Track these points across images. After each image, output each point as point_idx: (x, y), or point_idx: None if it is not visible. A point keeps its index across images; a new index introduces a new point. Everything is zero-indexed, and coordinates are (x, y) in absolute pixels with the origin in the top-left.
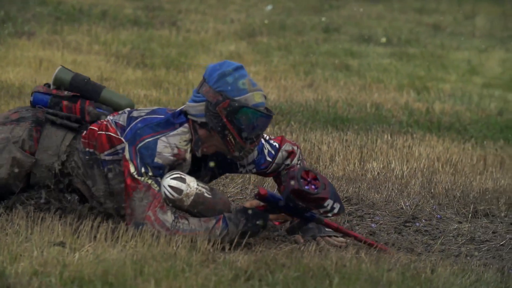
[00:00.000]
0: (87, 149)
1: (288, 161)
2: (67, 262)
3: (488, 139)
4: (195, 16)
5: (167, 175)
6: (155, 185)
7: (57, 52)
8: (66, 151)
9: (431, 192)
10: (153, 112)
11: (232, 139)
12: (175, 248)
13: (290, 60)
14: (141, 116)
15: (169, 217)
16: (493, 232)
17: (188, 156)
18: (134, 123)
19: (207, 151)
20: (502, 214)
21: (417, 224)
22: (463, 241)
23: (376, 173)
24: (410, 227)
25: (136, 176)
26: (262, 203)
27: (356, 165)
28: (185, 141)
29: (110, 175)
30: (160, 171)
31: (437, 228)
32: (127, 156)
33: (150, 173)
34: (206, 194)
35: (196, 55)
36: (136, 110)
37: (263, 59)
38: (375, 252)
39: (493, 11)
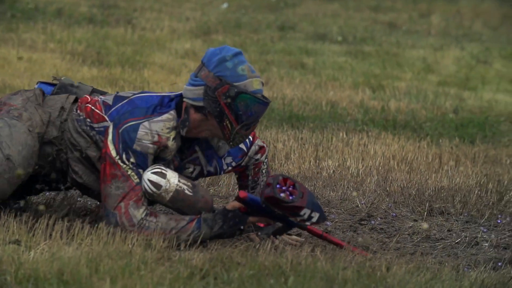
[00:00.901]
0: (78, 110)
1: (258, 156)
2: (22, 260)
3: (443, 137)
4: (150, 14)
5: (149, 168)
6: (135, 177)
7: (12, 50)
8: (70, 108)
9: (387, 190)
10: (141, 93)
11: (228, 125)
12: (131, 246)
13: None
14: (129, 97)
15: (139, 213)
16: (448, 230)
17: (170, 143)
18: (120, 104)
19: (200, 135)
20: (457, 212)
21: (373, 222)
22: (418, 239)
23: (331, 171)
24: (365, 225)
25: (118, 161)
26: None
27: (311, 163)
28: (168, 128)
29: (96, 137)
30: (141, 158)
31: (393, 226)
32: (110, 137)
33: (132, 160)
34: (186, 192)
35: (151, 53)
36: (124, 92)
37: None
38: (330, 250)
39: (448, 10)
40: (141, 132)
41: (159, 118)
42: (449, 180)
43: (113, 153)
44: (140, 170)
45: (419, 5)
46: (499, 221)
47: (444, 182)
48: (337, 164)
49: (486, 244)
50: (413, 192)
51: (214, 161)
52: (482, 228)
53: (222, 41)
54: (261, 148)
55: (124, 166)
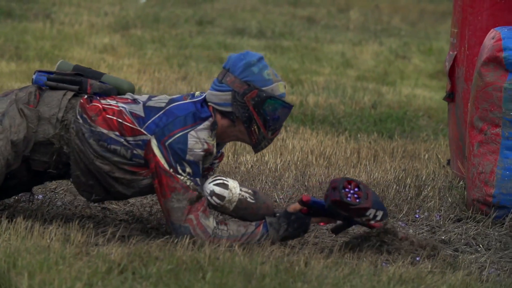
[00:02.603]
0: (85, 117)
1: (216, 161)
2: None
3: (361, 132)
4: (69, 8)
5: (210, 180)
6: (195, 187)
7: None
8: (67, 106)
9: (305, 185)
10: (172, 101)
11: (256, 129)
12: (49, 240)
13: (164, 53)
14: (162, 107)
15: (211, 223)
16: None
17: (215, 150)
18: (157, 116)
19: (225, 141)
20: None
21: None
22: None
23: (249, 166)
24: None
25: (174, 174)
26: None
27: (229, 158)
28: (211, 136)
29: (113, 151)
30: (196, 167)
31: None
32: (157, 152)
33: (188, 170)
34: (249, 199)
35: (70, 48)
36: (149, 99)
37: (137, 51)
38: (248, 245)
39: (366, 5)
40: (191, 141)
41: (203, 126)
42: (368, 175)
43: (166, 166)
44: (197, 179)
45: (338, 0)
46: (417, 216)
47: (362, 177)
48: (255, 159)
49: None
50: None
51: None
52: (400, 223)
53: (141, 36)
54: (221, 155)
55: (182, 177)
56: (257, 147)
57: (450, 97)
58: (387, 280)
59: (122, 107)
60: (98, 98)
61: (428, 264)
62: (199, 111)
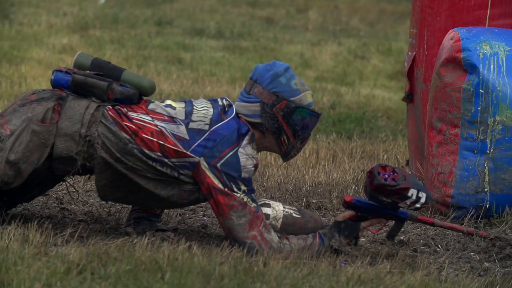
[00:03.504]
0: (124, 133)
1: None
2: None
3: (320, 132)
4: (28, 9)
5: None
6: (252, 203)
7: None
8: (90, 120)
9: (264, 186)
10: (214, 122)
11: (286, 139)
12: (7, 241)
13: (122, 53)
14: (206, 130)
15: (274, 236)
16: (326, 225)
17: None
18: (202, 139)
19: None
20: (335, 208)
21: None
22: None
23: None
24: None
25: (230, 192)
26: (354, 213)
27: None
28: (254, 149)
29: (159, 167)
30: (250, 183)
31: None
32: (209, 174)
33: (243, 188)
34: (294, 215)
35: (29, 48)
36: (191, 120)
37: (96, 52)
38: (207, 245)
39: (325, 5)
40: (242, 159)
41: (246, 141)
42: (326, 175)
43: (221, 186)
44: (253, 195)
45: (297, 0)
46: None
47: (321, 177)
48: None
49: (363, 240)
50: (290, 187)
51: None
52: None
53: (100, 36)
54: None
55: (238, 194)
56: (287, 157)
57: (409, 97)
58: (346, 281)
59: (162, 126)
60: (126, 110)
61: (387, 264)
62: (240, 127)
